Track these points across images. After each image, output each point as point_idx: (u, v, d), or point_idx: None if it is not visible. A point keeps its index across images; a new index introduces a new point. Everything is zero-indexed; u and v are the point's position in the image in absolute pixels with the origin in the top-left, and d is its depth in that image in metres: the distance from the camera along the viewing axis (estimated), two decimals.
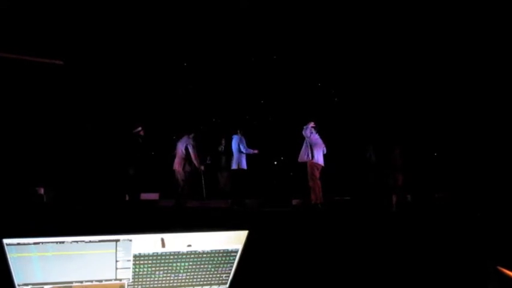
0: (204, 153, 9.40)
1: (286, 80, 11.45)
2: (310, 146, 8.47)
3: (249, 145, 9.08)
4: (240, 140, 8.91)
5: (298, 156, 8.67)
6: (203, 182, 8.59)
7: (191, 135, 8.46)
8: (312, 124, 8.66)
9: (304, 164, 8.58)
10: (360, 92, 11.20)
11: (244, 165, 8.93)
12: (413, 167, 8.75)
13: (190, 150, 8.28)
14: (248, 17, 10.09)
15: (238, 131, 9.03)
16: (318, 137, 8.64)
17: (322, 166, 8.57)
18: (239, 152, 8.87)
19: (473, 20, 9.25)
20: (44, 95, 9.20)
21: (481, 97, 9.49)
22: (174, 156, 8.53)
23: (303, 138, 8.64)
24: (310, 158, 8.42)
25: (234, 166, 8.98)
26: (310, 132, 8.57)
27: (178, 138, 8.68)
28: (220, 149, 10.10)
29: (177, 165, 8.39)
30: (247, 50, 11.21)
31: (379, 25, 10.18)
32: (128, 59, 10.27)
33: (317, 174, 8.48)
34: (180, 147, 8.40)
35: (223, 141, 10.01)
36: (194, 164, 8.36)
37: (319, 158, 8.52)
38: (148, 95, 10.68)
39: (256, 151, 9.05)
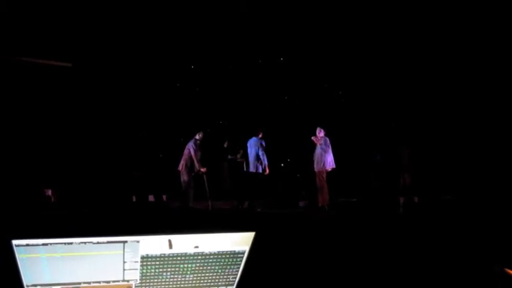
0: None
1: (293, 82, 11.43)
2: (326, 151, 8.42)
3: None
4: (260, 144, 8.47)
5: (313, 164, 8.56)
6: (206, 184, 8.53)
7: (196, 137, 8.46)
8: (322, 133, 8.57)
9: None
10: (367, 94, 11.16)
11: (260, 169, 8.55)
12: (421, 169, 8.71)
13: (192, 152, 8.27)
14: (255, 19, 10.10)
15: (259, 134, 8.58)
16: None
17: (334, 168, 8.53)
18: (257, 156, 8.46)
19: (482, 23, 9.18)
20: (53, 97, 9.27)
21: (491, 99, 9.41)
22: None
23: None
24: (327, 165, 8.38)
25: (252, 169, 8.56)
26: (324, 140, 8.52)
27: (187, 140, 8.70)
28: (238, 157, 10.07)
29: (181, 166, 8.42)
30: (254, 52, 11.20)
31: (385, 26, 10.14)
32: (136, 61, 10.33)
33: (325, 176, 8.45)
34: (186, 149, 8.43)
35: (241, 151, 9.96)
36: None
37: (332, 161, 8.49)
38: (156, 97, 10.72)
39: (266, 171, 8.57)
